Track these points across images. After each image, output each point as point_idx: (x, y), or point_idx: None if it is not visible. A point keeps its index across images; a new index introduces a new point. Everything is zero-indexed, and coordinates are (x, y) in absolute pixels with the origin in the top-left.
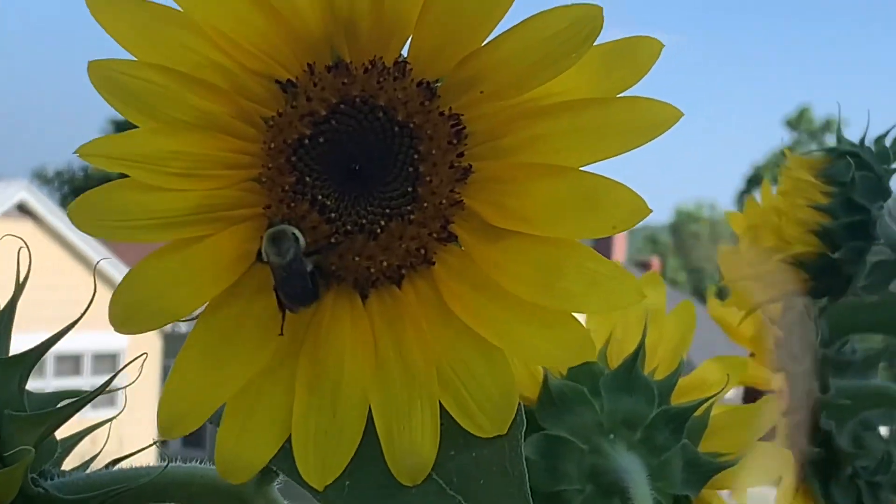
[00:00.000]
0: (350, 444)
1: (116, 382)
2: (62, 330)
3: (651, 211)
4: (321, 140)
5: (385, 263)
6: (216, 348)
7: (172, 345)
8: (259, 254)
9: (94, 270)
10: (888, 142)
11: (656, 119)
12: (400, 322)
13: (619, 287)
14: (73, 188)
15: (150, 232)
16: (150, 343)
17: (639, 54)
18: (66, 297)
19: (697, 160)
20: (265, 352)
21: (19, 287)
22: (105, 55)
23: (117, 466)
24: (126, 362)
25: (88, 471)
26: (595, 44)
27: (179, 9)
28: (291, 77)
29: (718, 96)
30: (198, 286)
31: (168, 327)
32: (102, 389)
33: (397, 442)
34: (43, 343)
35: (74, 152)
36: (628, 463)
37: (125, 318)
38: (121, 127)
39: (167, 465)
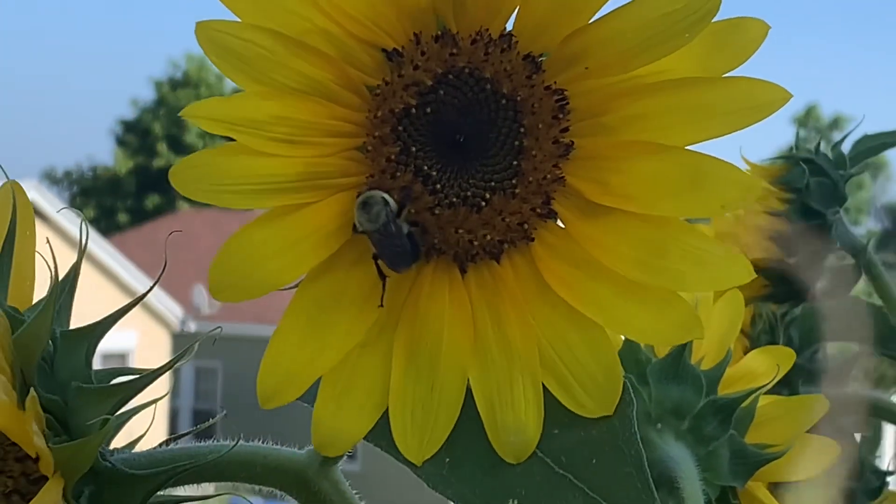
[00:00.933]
0: (449, 419)
1: (130, 348)
2: (128, 305)
3: (761, 190)
4: (427, 110)
5: (487, 237)
6: (315, 319)
7: (181, 344)
8: (355, 227)
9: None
10: (845, 147)
11: (764, 100)
12: (498, 298)
13: (727, 266)
14: (81, 189)
15: (253, 197)
16: (160, 342)
17: (746, 35)
18: (77, 298)
19: None
20: (364, 323)
21: (81, 253)
22: (105, 61)
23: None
24: (135, 362)
25: None
26: None
27: None
28: (398, 46)
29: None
30: (298, 255)
31: (177, 327)
32: (167, 368)
33: (499, 418)
34: (109, 316)
35: (180, 114)
36: (676, 453)
37: (225, 285)
38: (130, 127)
39: (236, 443)
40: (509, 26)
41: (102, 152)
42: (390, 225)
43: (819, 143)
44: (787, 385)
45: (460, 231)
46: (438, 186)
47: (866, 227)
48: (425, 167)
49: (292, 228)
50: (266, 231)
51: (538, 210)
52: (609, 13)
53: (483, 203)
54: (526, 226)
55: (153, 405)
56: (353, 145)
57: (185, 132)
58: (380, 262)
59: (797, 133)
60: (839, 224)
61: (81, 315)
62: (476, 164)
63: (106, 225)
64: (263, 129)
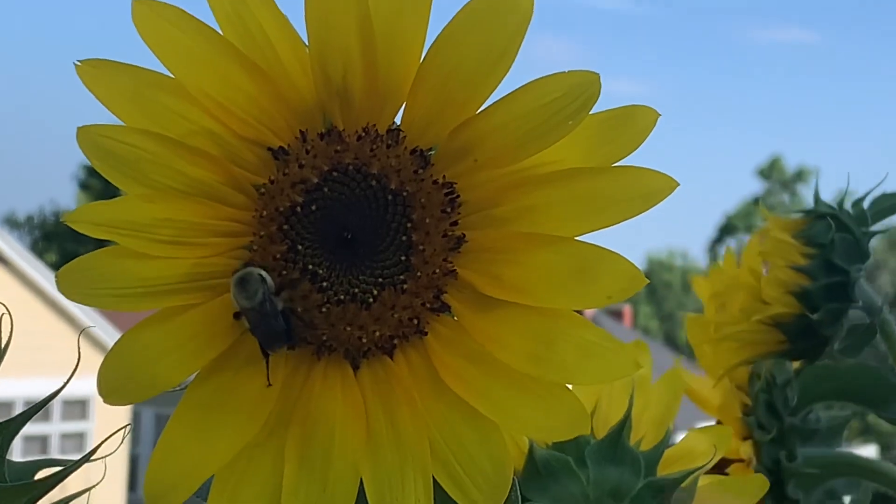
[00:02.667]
0: None
1: (86, 427)
2: (43, 401)
3: (646, 281)
4: (313, 208)
5: (377, 333)
6: (205, 419)
7: None
8: (237, 314)
9: (80, 335)
10: (866, 204)
11: (652, 188)
12: (391, 393)
13: (614, 358)
14: (43, 233)
15: (138, 300)
16: None
17: (635, 123)
18: (37, 342)
19: (669, 209)
20: (254, 423)
21: (1, 352)
22: (73, 103)
23: None
24: (96, 410)
25: None
26: (591, 112)
27: (170, 75)
28: (283, 144)
29: (690, 146)
30: (186, 356)
31: None
32: (83, 462)
33: None
34: (23, 413)
35: (61, 220)
36: None
37: (113, 389)
38: (93, 173)
39: None
40: (398, 121)
41: (65, 197)
42: (266, 304)
43: (843, 200)
44: (783, 445)
45: (350, 328)
46: (326, 284)
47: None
48: (311, 265)
49: (179, 329)
50: (152, 332)
51: (429, 304)
52: (492, 104)
53: (371, 299)
54: (417, 321)
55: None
56: (240, 244)
57: None
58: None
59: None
60: (860, 282)
61: (41, 360)
62: (365, 261)
63: None
64: (147, 232)
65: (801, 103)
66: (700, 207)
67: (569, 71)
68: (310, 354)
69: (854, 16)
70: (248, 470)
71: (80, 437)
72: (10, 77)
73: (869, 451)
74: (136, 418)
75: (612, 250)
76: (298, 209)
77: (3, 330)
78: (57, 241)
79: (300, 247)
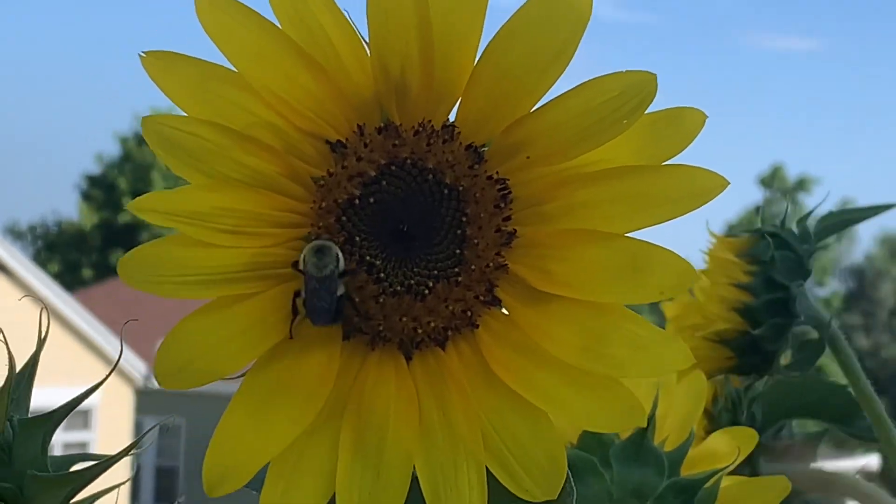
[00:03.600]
0: None
1: (89, 437)
2: (85, 393)
3: (698, 277)
4: (370, 200)
5: (431, 325)
6: (262, 406)
7: (145, 400)
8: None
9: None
10: (811, 222)
11: (702, 187)
12: (443, 384)
13: (666, 352)
14: (46, 243)
15: (200, 288)
16: (123, 399)
17: (684, 124)
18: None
19: None
20: (311, 411)
21: (40, 344)
22: (76, 113)
23: None
24: (98, 420)
25: None
26: None
27: (233, 68)
28: (342, 138)
29: (690, 154)
30: (244, 344)
31: (141, 383)
32: (124, 454)
33: (444, 502)
34: (66, 405)
35: (126, 207)
36: None
37: (170, 374)
38: (96, 182)
39: None
40: (452, 117)
41: (67, 207)
42: (329, 280)
43: (784, 219)
44: (748, 463)
45: (405, 319)
46: (382, 275)
47: (831, 289)
48: (369, 256)
49: (238, 317)
50: (211, 320)
51: (482, 297)
52: (548, 103)
53: (426, 291)
54: (470, 313)
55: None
56: (299, 235)
57: (151, 187)
58: (298, 301)
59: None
60: (803, 297)
61: (44, 368)
62: (420, 253)
63: (70, 280)
64: (209, 221)
65: (803, 112)
66: (701, 216)
67: (626, 71)
68: (364, 345)
69: (854, 24)
70: (304, 456)
71: (82, 446)
72: (13, 85)
73: (871, 460)
74: (138, 428)
75: (663, 246)
76: (356, 201)
77: (37, 333)
78: (59, 252)
79: (357, 238)
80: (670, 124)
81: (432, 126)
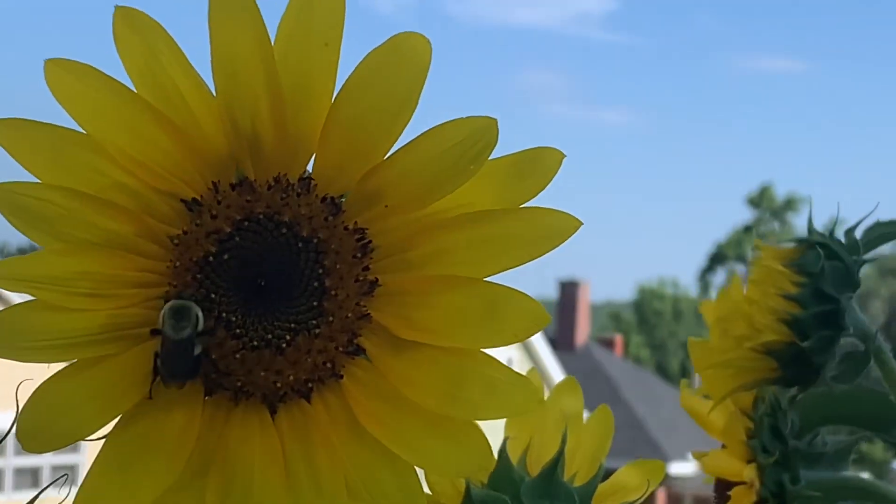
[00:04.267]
0: None
1: (77, 460)
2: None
3: (549, 320)
4: (226, 257)
5: (292, 377)
6: (125, 465)
7: None
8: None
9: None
10: (858, 233)
11: (555, 229)
12: (309, 436)
13: (517, 393)
14: None
15: (56, 353)
16: (112, 421)
17: (542, 164)
18: (19, 375)
19: (660, 238)
20: (175, 467)
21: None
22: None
23: None
24: (87, 443)
25: None
26: (499, 155)
27: (83, 131)
28: (196, 195)
29: (679, 175)
30: (105, 405)
31: None
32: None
33: None
34: None
35: None
36: None
37: (32, 437)
38: None
39: None
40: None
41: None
42: (187, 342)
43: (833, 228)
44: (787, 468)
45: (265, 373)
46: (240, 331)
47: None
48: (225, 313)
49: (98, 379)
50: (71, 382)
51: (343, 348)
52: (398, 151)
53: (285, 345)
54: (332, 364)
55: None
56: (156, 295)
57: None
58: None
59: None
60: (851, 309)
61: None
62: (280, 307)
63: None
64: (64, 286)
65: (790, 132)
66: (690, 236)
67: (467, 117)
68: (227, 400)
69: (839, 45)
70: None
71: (71, 468)
72: None
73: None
74: None
75: (518, 290)
76: (211, 258)
77: None
78: None
79: (213, 295)
80: (529, 165)
81: (288, 179)
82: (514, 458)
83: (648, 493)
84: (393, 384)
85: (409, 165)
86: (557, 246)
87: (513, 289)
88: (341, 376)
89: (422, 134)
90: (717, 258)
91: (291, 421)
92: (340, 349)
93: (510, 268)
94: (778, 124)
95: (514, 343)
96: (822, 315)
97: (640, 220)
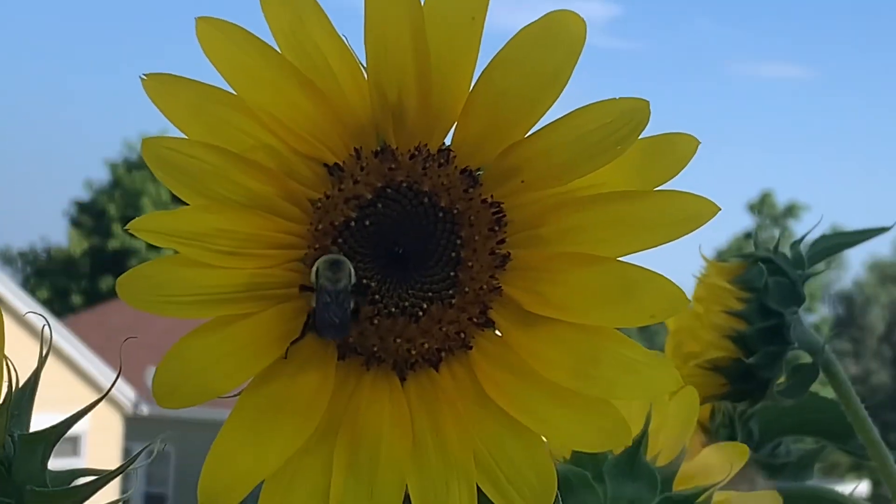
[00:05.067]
0: None
1: (77, 464)
2: (85, 408)
3: (689, 302)
4: (366, 223)
5: (425, 346)
6: (257, 425)
7: (133, 427)
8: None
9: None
10: (804, 246)
11: (693, 213)
12: (437, 404)
13: (656, 375)
14: (35, 270)
15: (197, 308)
16: (112, 425)
17: (677, 149)
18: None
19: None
20: (306, 430)
21: (41, 361)
22: (61, 139)
23: None
24: (87, 447)
25: None
26: None
27: (231, 91)
28: (339, 161)
29: (680, 181)
30: (240, 363)
31: (130, 409)
32: (122, 469)
33: None
34: (66, 420)
35: (125, 228)
36: None
37: (167, 393)
38: (85, 209)
39: None
40: (448, 141)
41: (57, 233)
42: (342, 294)
43: (777, 243)
44: (746, 481)
45: (399, 340)
46: (377, 297)
47: (820, 314)
48: (365, 279)
49: (235, 337)
50: (208, 340)
51: (475, 319)
52: (543, 128)
53: (421, 313)
54: (464, 335)
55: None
56: (296, 257)
57: (141, 214)
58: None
59: (756, 223)
60: (797, 324)
61: (37, 400)
62: (415, 275)
63: (59, 306)
64: (207, 242)
65: (792, 138)
66: (690, 242)
67: (619, 97)
68: (359, 365)
69: (843, 51)
70: (298, 475)
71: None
72: (2, 112)
73: (861, 487)
74: (127, 454)
75: (655, 271)
76: (352, 223)
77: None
78: (48, 278)
79: (353, 260)
80: (663, 150)
81: (428, 150)
82: None
83: (732, 475)
84: (522, 358)
85: (554, 143)
86: (693, 230)
87: (650, 270)
88: (471, 347)
89: (570, 112)
90: None
91: (420, 389)
92: (472, 320)
93: (644, 249)
94: (780, 131)
95: (650, 323)
96: (766, 330)
97: None
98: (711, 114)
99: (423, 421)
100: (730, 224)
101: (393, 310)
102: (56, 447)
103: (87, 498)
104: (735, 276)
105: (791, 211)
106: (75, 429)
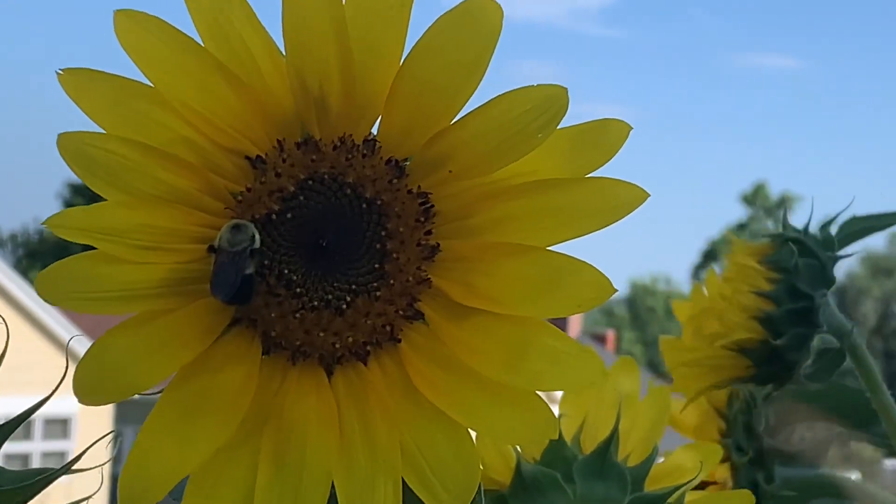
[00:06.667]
0: None
1: (67, 446)
2: (36, 404)
3: (615, 290)
4: (289, 216)
5: (351, 339)
6: (181, 421)
7: (124, 410)
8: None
9: (66, 348)
10: (833, 229)
11: (622, 200)
12: (365, 399)
13: (581, 365)
14: (27, 251)
15: (116, 304)
16: (103, 409)
17: (608, 136)
18: (18, 360)
19: (653, 234)
20: (230, 425)
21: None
22: (57, 119)
23: None
24: (77, 429)
25: None
26: (564, 125)
27: (150, 84)
28: (261, 153)
29: (673, 172)
30: (163, 359)
31: None
32: (66, 470)
33: None
34: (18, 416)
35: (42, 223)
36: None
37: (89, 390)
38: (78, 190)
39: None
40: (375, 131)
41: (49, 215)
42: (239, 256)
43: (808, 224)
44: (762, 466)
45: (323, 334)
46: (300, 290)
47: None
48: (287, 271)
49: (157, 332)
50: (130, 336)
51: (403, 312)
52: (466, 115)
53: (345, 306)
54: (391, 328)
55: None
56: None
57: None
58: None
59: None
60: (826, 307)
61: (22, 378)
62: (340, 268)
63: None
64: (126, 238)
65: (785, 129)
66: (684, 233)
67: (538, 85)
68: (285, 360)
69: (836, 42)
70: (224, 472)
71: (60, 455)
72: None
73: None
74: (117, 437)
75: (582, 260)
76: (274, 216)
77: None
78: (41, 259)
79: (275, 254)
80: (594, 136)
81: (353, 140)
82: (568, 435)
83: (703, 476)
84: (452, 350)
85: (477, 131)
86: (623, 217)
87: (577, 259)
88: (399, 340)
89: (491, 100)
90: (710, 255)
91: (348, 383)
92: (400, 313)
93: (574, 237)
94: (773, 121)
95: (577, 313)
96: (795, 312)
97: (634, 216)
98: (704, 105)
99: (351, 416)
100: (723, 215)
101: (317, 303)
102: (47, 429)
103: (38, 492)
104: (764, 256)
105: (784, 202)
106: (66, 411)
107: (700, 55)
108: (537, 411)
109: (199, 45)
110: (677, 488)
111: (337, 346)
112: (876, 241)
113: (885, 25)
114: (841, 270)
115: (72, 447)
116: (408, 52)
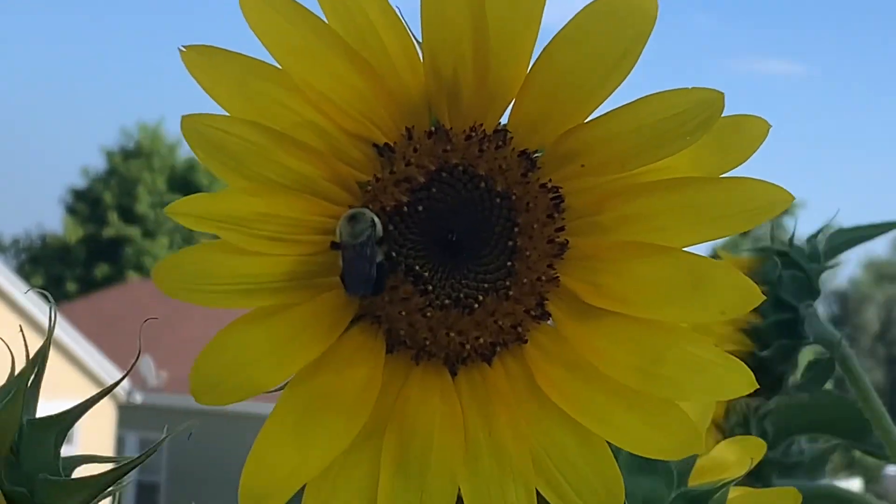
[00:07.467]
0: None
1: (70, 452)
2: (98, 394)
3: (762, 297)
4: (419, 208)
5: (479, 340)
6: (302, 422)
7: (126, 415)
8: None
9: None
10: (820, 240)
11: (767, 201)
12: (490, 402)
13: (727, 376)
14: (30, 256)
15: (237, 297)
16: (106, 413)
17: (746, 133)
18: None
19: None
20: (352, 428)
21: (48, 342)
22: (62, 125)
23: None
24: (80, 436)
25: None
26: None
27: (277, 66)
28: (389, 141)
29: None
30: (287, 356)
31: (123, 398)
32: (145, 458)
33: None
34: (79, 406)
35: (164, 210)
36: None
37: (207, 390)
38: (81, 197)
39: None
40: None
41: (52, 220)
42: (366, 247)
43: (793, 236)
44: (759, 478)
45: (451, 333)
46: (429, 287)
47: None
48: (416, 266)
49: (278, 329)
50: (251, 332)
51: (532, 312)
52: (608, 112)
53: (476, 304)
54: (519, 328)
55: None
56: None
57: (136, 202)
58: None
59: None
60: (812, 317)
61: None
62: (469, 264)
63: (54, 294)
64: (249, 227)
65: (786, 135)
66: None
67: (693, 87)
68: (408, 359)
69: (838, 48)
70: (343, 476)
71: None
72: None
73: (853, 484)
74: (120, 443)
75: (725, 263)
76: (404, 209)
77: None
78: (43, 265)
79: (403, 248)
80: (732, 133)
81: (484, 131)
82: None
83: (749, 470)
84: (580, 353)
85: (621, 129)
86: (766, 220)
87: (717, 261)
88: (526, 341)
89: (640, 99)
90: None
91: (472, 385)
92: (529, 312)
93: (712, 239)
94: (774, 127)
95: (720, 319)
96: (781, 324)
97: None
98: None
99: (476, 419)
100: None
101: (446, 301)
102: None
103: (104, 489)
104: (749, 269)
105: (788, 208)
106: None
107: (702, 60)
108: (677, 421)
109: (328, 26)
110: (722, 484)
111: (465, 346)
112: (879, 248)
113: (891, 32)
114: (843, 277)
115: (74, 452)
116: (549, 40)
